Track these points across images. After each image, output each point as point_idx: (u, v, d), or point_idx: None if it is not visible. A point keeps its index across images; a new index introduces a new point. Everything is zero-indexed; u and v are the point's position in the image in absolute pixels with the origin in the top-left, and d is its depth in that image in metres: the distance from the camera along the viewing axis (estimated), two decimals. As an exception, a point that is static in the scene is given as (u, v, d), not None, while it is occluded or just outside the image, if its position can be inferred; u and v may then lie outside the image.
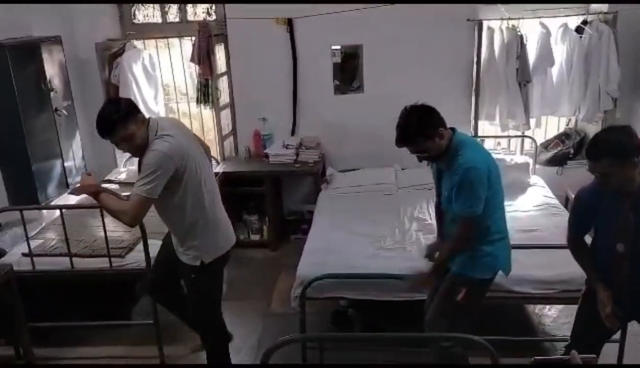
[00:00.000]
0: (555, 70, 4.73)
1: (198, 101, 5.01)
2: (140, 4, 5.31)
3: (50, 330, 3.59)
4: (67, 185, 4.45)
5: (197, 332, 3.22)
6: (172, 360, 3.44)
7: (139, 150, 2.54)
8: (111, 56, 5.03)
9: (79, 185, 2.79)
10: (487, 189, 2.40)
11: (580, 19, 4.67)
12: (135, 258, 3.36)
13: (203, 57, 4.71)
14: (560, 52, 4.68)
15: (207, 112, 5.25)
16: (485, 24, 4.65)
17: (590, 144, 2.18)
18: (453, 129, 2.51)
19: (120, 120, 2.44)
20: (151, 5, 5.31)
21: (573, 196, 4.71)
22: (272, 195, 4.95)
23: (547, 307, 3.79)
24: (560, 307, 3.74)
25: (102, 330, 3.68)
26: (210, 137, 5.72)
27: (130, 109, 2.51)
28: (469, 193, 2.37)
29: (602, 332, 2.45)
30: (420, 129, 2.39)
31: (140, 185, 2.44)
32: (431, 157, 2.50)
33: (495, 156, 4.84)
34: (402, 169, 4.84)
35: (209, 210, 2.69)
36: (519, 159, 4.81)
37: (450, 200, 2.46)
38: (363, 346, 3.27)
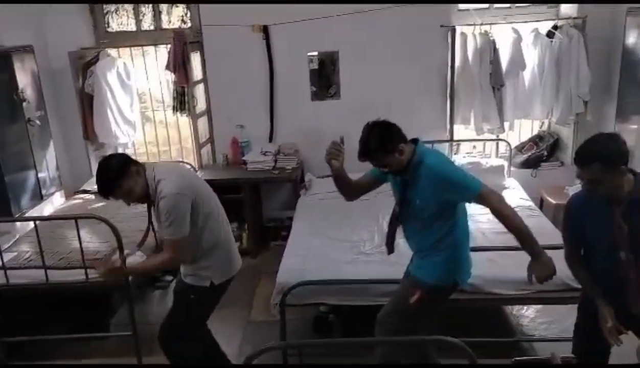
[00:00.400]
0: (527, 74, 4.82)
1: (174, 109, 4.98)
2: (114, 13, 5.26)
3: (26, 344, 3.52)
4: (41, 197, 4.39)
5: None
6: (152, 371, 3.40)
7: (143, 198, 2.61)
8: (85, 65, 4.97)
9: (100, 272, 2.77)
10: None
11: (551, 23, 4.77)
12: (112, 270, 3.31)
13: (179, 65, 4.68)
14: (532, 56, 4.78)
15: (184, 120, 5.22)
16: (458, 29, 4.72)
17: (579, 150, 2.17)
18: (417, 140, 2.56)
19: (114, 181, 2.49)
20: (125, 13, 5.26)
21: (548, 198, 4.82)
22: (251, 202, 4.94)
23: (525, 307, 3.84)
24: (537, 307, 3.80)
25: (79, 342, 3.61)
26: (188, 145, 5.69)
27: (121, 167, 2.52)
28: (458, 180, 2.42)
29: (604, 346, 2.42)
30: (380, 145, 2.44)
31: (168, 230, 2.52)
32: (392, 171, 2.55)
33: (470, 160, 4.97)
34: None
35: (223, 232, 2.76)
36: (494, 162, 4.88)
37: (422, 208, 2.48)
38: (344, 351, 3.27)
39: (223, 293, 2.85)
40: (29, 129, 4.30)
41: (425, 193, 2.45)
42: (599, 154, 2.08)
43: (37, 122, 4.41)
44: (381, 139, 2.44)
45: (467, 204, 2.58)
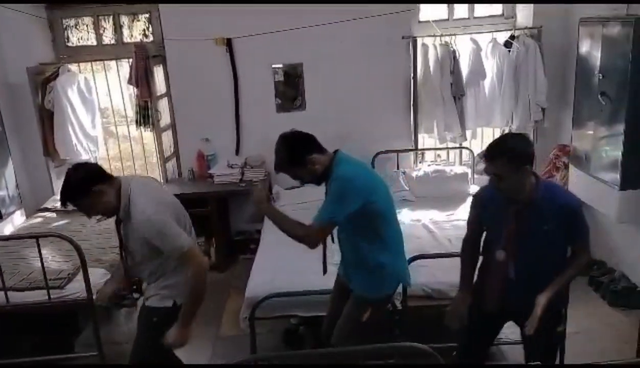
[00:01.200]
0: (487, 84, 4.94)
1: (138, 123, 4.91)
2: (74, 27, 5.17)
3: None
4: (1, 216, 4.26)
5: None
6: (119, 392, 3.32)
7: (110, 213, 2.48)
8: (45, 80, 4.85)
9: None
10: (368, 202, 2.44)
11: (508, 34, 4.91)
12: (76, 289, 3.23)
13: (141, 78, 4.63)
14: (491, 66, 4.90)
15: (148, 134, 5.15)
16: (419, 41, 4.81)
17: (488, 145, 2.31)
18: (337, 151, 2.57)
19: (81, 188, 2.35)
20: (85, 28, 5.19)
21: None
22: (219, 216, 4.90)
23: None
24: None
25: (43, 365, 3.50)
26: (152, 160, 5.61)
27: (92, 175, 2.40)
28: (335, 201, 2.41)
29: (484, 336, 2.62)
30: (290, 157, 2.48)
31: (169, 242, 2.39)
32: (307, 182, 2.58)
33: (435, 168, 5.04)
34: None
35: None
36: (458, 169, 4.97)
37: (341, 220, 2.50)
38: (315, 363, 3.26)
39: None
40: (-14, 147, 4.18)
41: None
42: (505, 150, 2.20)
43: (-5, 139, 4.29)
44: (289, 152, 2.48)
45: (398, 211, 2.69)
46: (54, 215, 4.47)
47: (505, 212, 2.33)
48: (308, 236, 2.43)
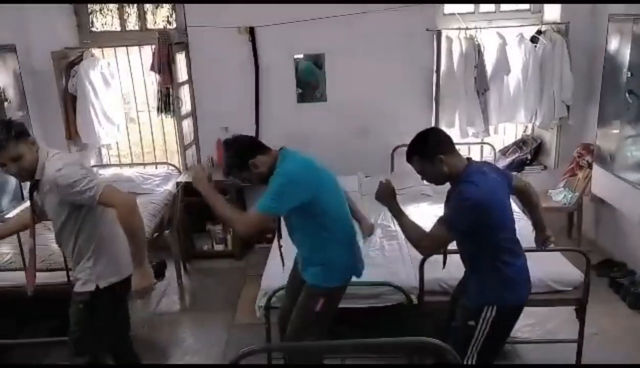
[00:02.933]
0: (511, 79, 4.86)
1: (159, 110, 4.93)
2: (98, 12, 5.21)
3: (5, 347, 3.46)
4: (22, 198, 4.31)
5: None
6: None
7: (27, 174, 2.44)
8: (68, 65, 4.90)
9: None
10: (312, 199, 2.47)
11: (535, 29, 4.82)
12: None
13: (163, 65, 4.64)
14: (516, 61, 4.82)
15: (169, 121, 5.18)
16: (444, 33, 4.75)
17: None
18: (282, 148, 2.61)
19: (10, 139, 2.31)
20: (110, 13, 5.22)
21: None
22: (236, 204, 4.91)
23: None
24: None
25: (59, 346, 3.54)
26: (172, 147, 5.65)
27: (22, 130, 2.39)
28: (273, 195, 2.43)
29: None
30: (235, 163, 2.57)
31: (82, 192, 2.33)
32: (256, 184, 2.66)
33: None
34: (366, 177, 4.86)
35: (108, 228, 2.54)
36: (479, 165, 4.90)
37: (288, 215, 2.59)
38: (326, 353, 3.26)
39: (119, 299, 2.66)
40: (11, 130, 4.23)
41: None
42: (414, 149, 2.37)
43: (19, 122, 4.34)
44: (233, 158, 2.56)
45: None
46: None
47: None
48: (241, 223, 2.48)
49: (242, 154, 2.55)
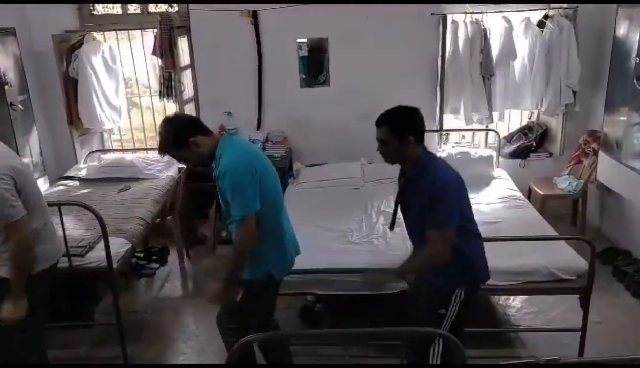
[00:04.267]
0: (517, 64, 4.80)
1: (161, 95, 4.89)
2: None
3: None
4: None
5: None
6: (136, 360, 3.36)
7: None
8: (69, 49, 4.85)
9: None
10: (259, 186, 2.41)
11: (542, 13, 4.75)
12: (96, 257, 3.25)
13: (165, 49, 4.60)
14: (522, 46, 4.75)
15: (171, 106, 5.14)
16: (449, 17, 4.67)
17: (381, 114, 2.39)
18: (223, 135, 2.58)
19: None
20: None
21: (535, 188, 4.85)
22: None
23: (512, 298, 3.85)
24: (524, 297, 3.82)
25: (63, 331, 3.56)
26: (174, 132, 5.60)
27: None
28: (234, 193, 2.36)
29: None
30: (174, 139, 2.45)
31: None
32: (195, 165, 2.59)
33: (459, 150, 4.95)
34: (369, 163, 4.84)
35: (43, 216, 2.58)
36: (483, 152, 4.87)
37: (227, 203, 2.44)
38: (330, 341, 3.26)
39: (43, 284, 2.60)
40: (11, 113, 4.20)
41: (224, 190, 2.42)
42: (390, 118, 2.35)
43: (20, 106, 4.31)
44: (172, 134, 2.46)
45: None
46: (76, 183, 4.50)
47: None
48: (244, 242, 2.41)
49: (183, 129, 2.46)
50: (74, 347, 3.50)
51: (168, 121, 2.54)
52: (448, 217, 2.27)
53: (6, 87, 4.16)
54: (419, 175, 2.34)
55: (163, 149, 2.51)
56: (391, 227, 2.77)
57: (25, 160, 4.34)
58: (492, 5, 4.71)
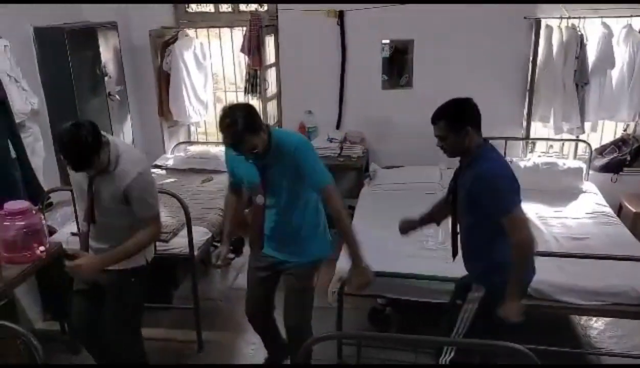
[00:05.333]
0: (615, 73, 4.53)
1: (246, 91, 5.04)
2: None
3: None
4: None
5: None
6: (211, 345, 3.48)
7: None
8: (164, 44, 5.12)
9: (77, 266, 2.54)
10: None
11: (646, 19, 4.45)
12: (179, 244, 3.41)
13: (253, 48, 4.73)
14: (621, 54, 4.48)
15: (255, 103, 5.27)
16: (543, 22, 4.48)
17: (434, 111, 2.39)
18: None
19: (92, 149, 2.32)
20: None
21: (627, 205, 4.56)
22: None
23: (594, 319, 3.65)
24: (607, 320, 3.60)
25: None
26: (257, 128, 5.75)
27: (96, 135, 2.34)
28: (316, 162, 2.53)
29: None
30: (249, 121, 2.36)
31: (151, 207, 2.60)
32: (260, 153, 2.46)
33: (547, 160, 4.74)
34: (448, 168, 4.72)
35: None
36: (572, 163, 4.63)
37: (280, 192, 2.57)
38: (399, 347, 3.23)
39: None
40: (109, 103, 4.49)
41: (284, 173, 2.52)
42: (445, 113, 2.36)
43: (117, 96, 4.59)
44: (247, 118, 2.36)
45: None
46: (163, 172, 4.73)
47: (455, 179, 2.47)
48: (342, 205, 2.70)
49: (255, 114, 2.43)
50: (152, 326, 3.68)
51: (237, 107, 2.43)
52: (510, 199, 2.23)
53: (106, 79, 4.44)
54: (475, 159, 2.34)
55: (240, 136, 2.35)
56: (454, 254, 2.62)
57: (119, 147, 4.61)
58: (590, 10, 4.46)
